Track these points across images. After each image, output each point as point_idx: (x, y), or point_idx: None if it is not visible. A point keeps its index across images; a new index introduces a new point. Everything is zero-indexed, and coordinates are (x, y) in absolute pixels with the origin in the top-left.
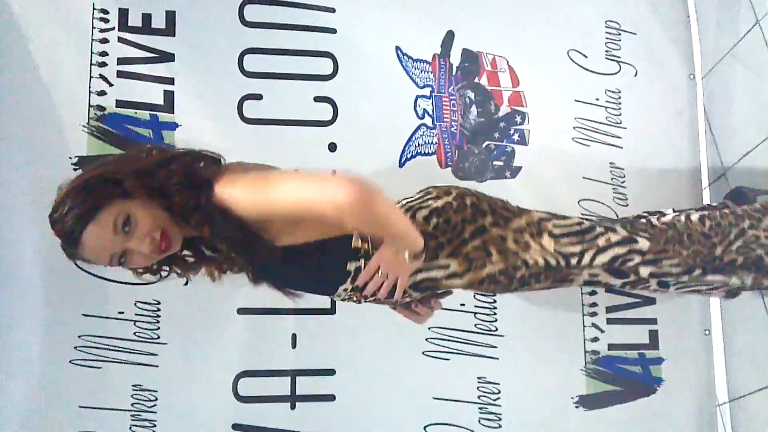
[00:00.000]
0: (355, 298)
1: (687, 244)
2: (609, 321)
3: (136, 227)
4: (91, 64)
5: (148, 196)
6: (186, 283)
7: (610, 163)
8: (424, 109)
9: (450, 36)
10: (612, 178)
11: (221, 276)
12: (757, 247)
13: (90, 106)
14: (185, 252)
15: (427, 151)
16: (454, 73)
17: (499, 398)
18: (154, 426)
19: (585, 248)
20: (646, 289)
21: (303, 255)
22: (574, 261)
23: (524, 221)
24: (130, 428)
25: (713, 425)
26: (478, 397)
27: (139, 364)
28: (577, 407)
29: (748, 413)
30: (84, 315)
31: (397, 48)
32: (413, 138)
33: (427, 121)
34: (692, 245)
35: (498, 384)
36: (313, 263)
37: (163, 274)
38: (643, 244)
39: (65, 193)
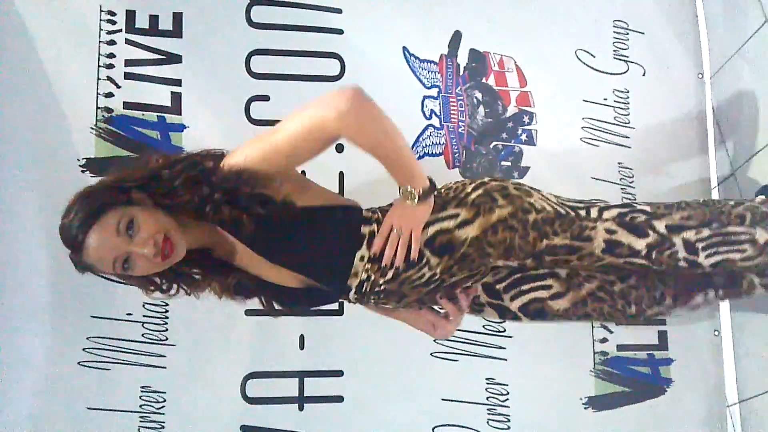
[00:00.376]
0: (372, 277)
1: (689, 209)
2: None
3: (139, 230)
4: (99, 66)
5: (154, 203)
6: None
7: (619, 163)
8: (431, 109)
9: (457, 36)
10: (620, 178)
11: (231, 297)
12: (761, 205)
13: (98, 107)
14: (194, 270)
15: (434, 152)
16: (461, 73)
17: (507, 399)
18: (162, 427)
19: (587, 205)
20: (674, 259)
21: (317, 215)
22: (582, 212)
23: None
24: (138, 430)
25: (723, 426)
26: (487, 398)
27: (148, 365)
28: (585, 408)
29: (758, 414)
30: (92, 317)
31: (404, 48)
32: (420, 139)
33: (435, 121)
34: (695, 209)
35: (506, 385)
36: (329, 222)
37: (172, 292)
38: (643, 207)
39: (72, 202)
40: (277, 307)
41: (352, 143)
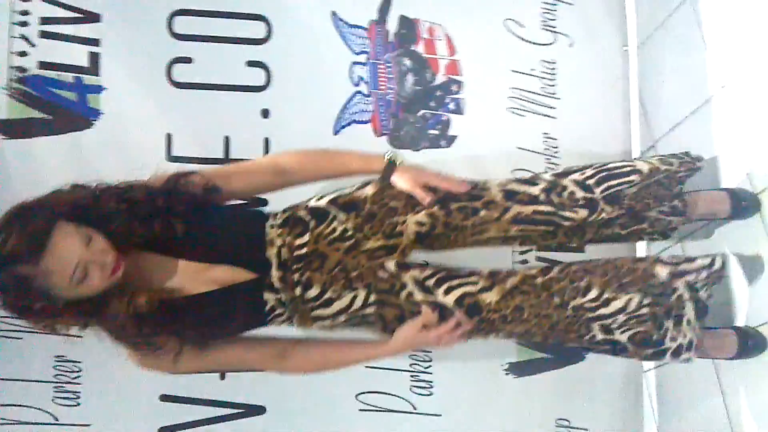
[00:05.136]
0: (288, 240)
1: None
2: None
3: (97, 241)
4: (11, 23)
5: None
6: None
7: (544, 134)
8: (359, 76)
9: (387, 2)
10: (545, 149)
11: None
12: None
13: (10, 67)
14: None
15: (362, 119)
16: (390, 40)
17: (430, 366)
18: (78, 397)
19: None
20: (573, 199)
21: (226, 208)
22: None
23: None
24: (53, 400)
25: (639, 391)
26: (411, 365)
27: (62, 334)
28: (507, 374)
29: (672, 380)
30: None
31: (333, 13)
32: (348, 105)
33: (363, 88)
34: None
35: (429, 352)
36: (235, 210)
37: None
38: None
39: (4, 219)
40: (199, 327)
41: (301, 173)
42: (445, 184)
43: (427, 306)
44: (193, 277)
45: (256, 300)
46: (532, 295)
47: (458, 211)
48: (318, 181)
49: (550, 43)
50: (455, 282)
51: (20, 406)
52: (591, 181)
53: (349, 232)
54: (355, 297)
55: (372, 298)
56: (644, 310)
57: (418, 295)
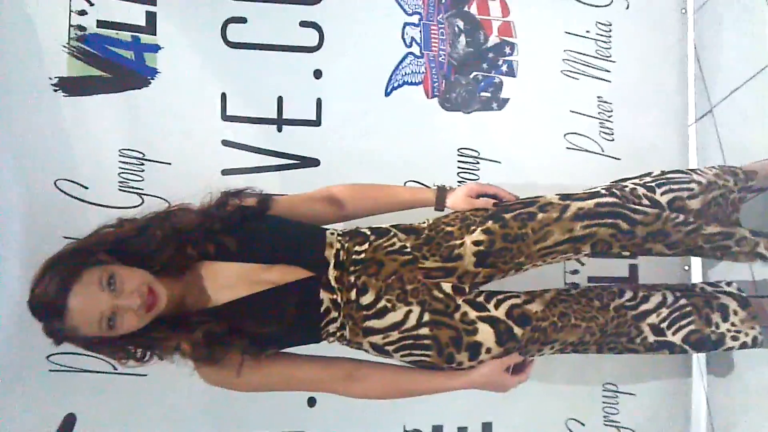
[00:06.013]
0: (347, 245)
1: None
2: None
3: (123, 284)
4: None
5: (124, 263)
6: None
7: (598, 97)
8: (411, 37)
9: None
10: (599, 113)
11: (204, 354)
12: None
13: (70, 25)
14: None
15: (413, 81)
16: (443, 0)
17: None
18: None
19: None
20: (636, 195)
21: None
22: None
23: None
24: None
25: (687, 357)
26: None
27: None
28: None
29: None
30: None
31: None
32: (400, 67)
33: (415, 49)
34: None
35: None
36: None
37: (145, 359)
38: None
39: (40, 272)
40: (254, 329)
41: (353, 203)
42: (495, 190)
43: (484, 324)
44: (249, 279)
45: (312, 298)
46: (572, 302)
47: (513, 219)
48: (370, 213)
49: (606, 5)
50: (501, 296)
51: (79, 354)
52: (654, 183)
53: (408, 249)
54: (409, 312)
55: (426, 317)
56: (683, 301)
57: (472, 313)
